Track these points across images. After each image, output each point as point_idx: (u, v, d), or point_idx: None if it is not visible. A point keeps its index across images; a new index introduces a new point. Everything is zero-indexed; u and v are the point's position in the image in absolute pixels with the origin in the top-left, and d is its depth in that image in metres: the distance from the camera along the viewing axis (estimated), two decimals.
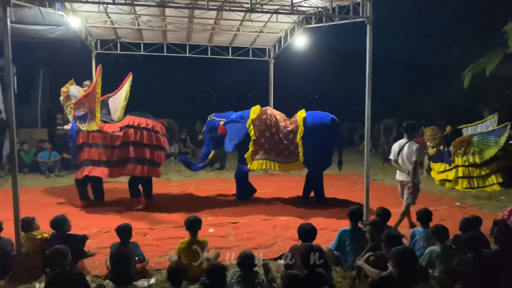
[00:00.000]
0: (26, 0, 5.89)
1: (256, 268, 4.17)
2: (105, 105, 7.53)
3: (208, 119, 8.45)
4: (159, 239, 5.95)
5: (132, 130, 7.28)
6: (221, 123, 8.12)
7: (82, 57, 11.28)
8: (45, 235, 5.01)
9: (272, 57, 12.19)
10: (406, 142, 6.23)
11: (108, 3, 7.13)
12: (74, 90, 7.56)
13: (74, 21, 8.57)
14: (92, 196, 7.72)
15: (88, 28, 10.10)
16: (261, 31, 10.63)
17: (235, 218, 6.99)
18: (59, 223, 4.99)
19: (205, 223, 6.43)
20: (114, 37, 11.05)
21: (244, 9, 7.40)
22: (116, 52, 11.30)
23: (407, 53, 24.34)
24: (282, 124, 7.86)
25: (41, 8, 6.70)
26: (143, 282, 4.55)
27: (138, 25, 10.01)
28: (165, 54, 11.64)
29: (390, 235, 4.35)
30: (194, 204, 7.87)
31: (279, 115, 8.08)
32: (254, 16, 9.07)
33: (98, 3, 7.18)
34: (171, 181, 10.15)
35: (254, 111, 7.96)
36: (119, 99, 7.69)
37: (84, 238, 5.20)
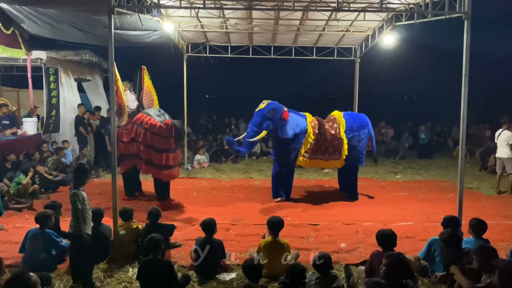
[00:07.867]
0: (127, 8, 6.43)
1: (336, 272, 4.09)
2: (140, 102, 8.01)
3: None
4: (241, 235, 6.13)
5: (135, 127, 7.44)
6: (285, 109, 7.90)
7: (175, 60, 12.00)
8: (140, 225, 5.45)
9: (358, 56, 11.84)
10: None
11: (199, 8, 7.49)
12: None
13: (168, 26, 9.16)
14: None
15: (180, 32, 10.72)
16: (347, 30, 10.36)
17: (315, 220, 6.93)
18: (155, 214, 5.38)
19: (285, 223, 6.46)
20: (203, 41, 11.59)
21: (331, 8, 7.28)
22: (205, 55, 11.86)
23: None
24: (326, 127, 8.17)
25: (140, 14, 7.27)
26: (224, 276, 4.74)
27: (226, 28, 10.38)
28: (250, 56, 11.93)
29: (486, 248, 3.99)
30: (274, 204, 7.96)
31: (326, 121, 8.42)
32: (340, 15, 8.87)
33: (190, 8, 7.57)
34: (253, 180, 10.35)
35: (308, 115, 8.34)
36: (148, 94, 8.15)
37: (172, 227, 5.57)
